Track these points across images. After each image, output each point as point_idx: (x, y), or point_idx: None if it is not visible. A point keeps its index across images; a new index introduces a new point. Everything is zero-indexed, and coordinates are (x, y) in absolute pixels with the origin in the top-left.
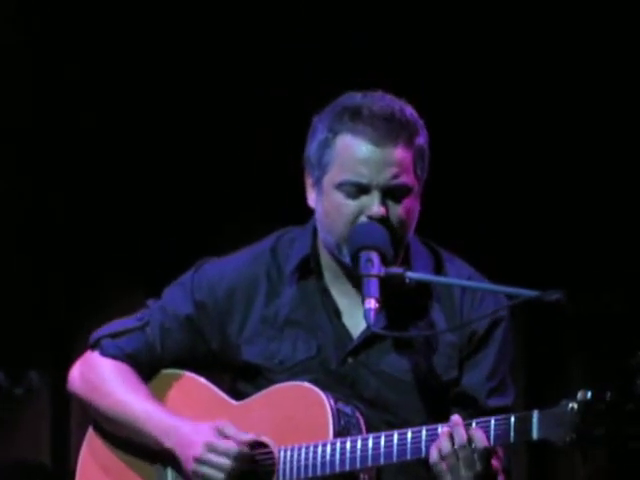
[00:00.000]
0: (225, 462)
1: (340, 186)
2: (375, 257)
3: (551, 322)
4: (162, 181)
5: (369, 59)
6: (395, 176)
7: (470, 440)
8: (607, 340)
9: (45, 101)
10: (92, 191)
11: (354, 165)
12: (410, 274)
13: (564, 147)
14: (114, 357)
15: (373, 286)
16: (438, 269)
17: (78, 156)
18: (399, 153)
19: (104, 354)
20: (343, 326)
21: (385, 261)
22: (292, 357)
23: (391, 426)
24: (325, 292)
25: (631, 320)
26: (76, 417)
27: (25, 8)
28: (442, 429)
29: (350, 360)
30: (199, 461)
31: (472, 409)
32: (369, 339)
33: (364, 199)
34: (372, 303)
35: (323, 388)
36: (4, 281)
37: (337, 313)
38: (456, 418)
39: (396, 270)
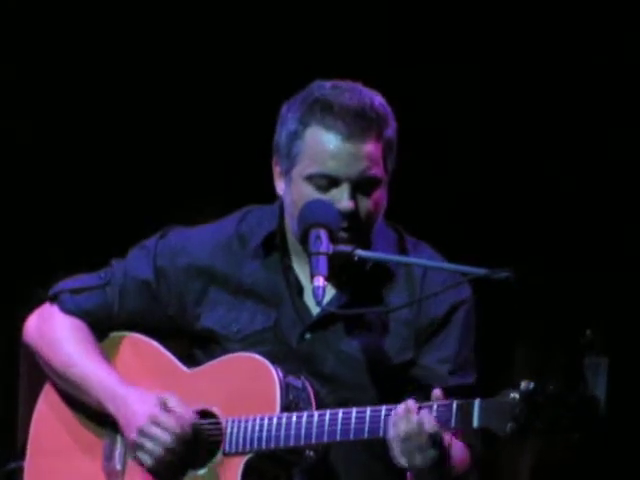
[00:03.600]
0: (166, 438)
1: (310, 178)
2: (324, 234)
3: (500, 301)
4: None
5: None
6: (365, 170)
7: (421, 425)
8: (556, 320)
9: None
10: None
11: (324, 158)
12: (359, 252)
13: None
14: (72, 313)
15: (322, 263)
16: (401, 250)
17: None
18: (369, 147)
19: (62, 309)
20: (304, 303)
21: (334, 238)
22: (249, 326)
23: (346, 404)
24: (289, 269)
25: (580, 299)
26: (25, 371)
27: None
28: (397, 411)
29: (308, 336)
30: (142, 433)
31: (430, 390)
32: (328, 317)
33: (334, 192)
34: (320, 280)
35: (278, 361)
36: None
37: (299, 290)
38: (410, 404)
39: (344, 248)
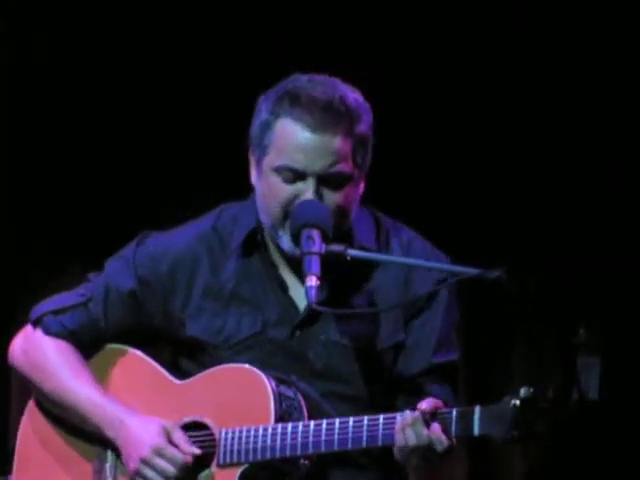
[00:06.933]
0: (170, 469)
1: (277, 170)
2: (316, 235)
3: (492, 300)
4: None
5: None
6: (331, 165)
7: (431, 441)
8: (549, 318)
9: None
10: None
11: (291, 151)
12: (351, 251)
13: (508, 124)
14: (57, 335)
15: (314, 263)
16: (378, 232)
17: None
18: (337, 142)
19: (47, 332)
20: (290, 299)
21: (326, 238)
22: (237, 333)
23: (343, 398)
24: (272, 265)
25: (573, 298)
26: (16, 394)
27: None
28: (403, 419)
29: (298, 333)
30: (145, 462)
31: (418, 367)
32: (315, 311)
33: (300, 185)
34: (313, 280)
35: (269, 365)
36: None
37: (283, 286)
38: (416, 415)
39: (337, 248)
